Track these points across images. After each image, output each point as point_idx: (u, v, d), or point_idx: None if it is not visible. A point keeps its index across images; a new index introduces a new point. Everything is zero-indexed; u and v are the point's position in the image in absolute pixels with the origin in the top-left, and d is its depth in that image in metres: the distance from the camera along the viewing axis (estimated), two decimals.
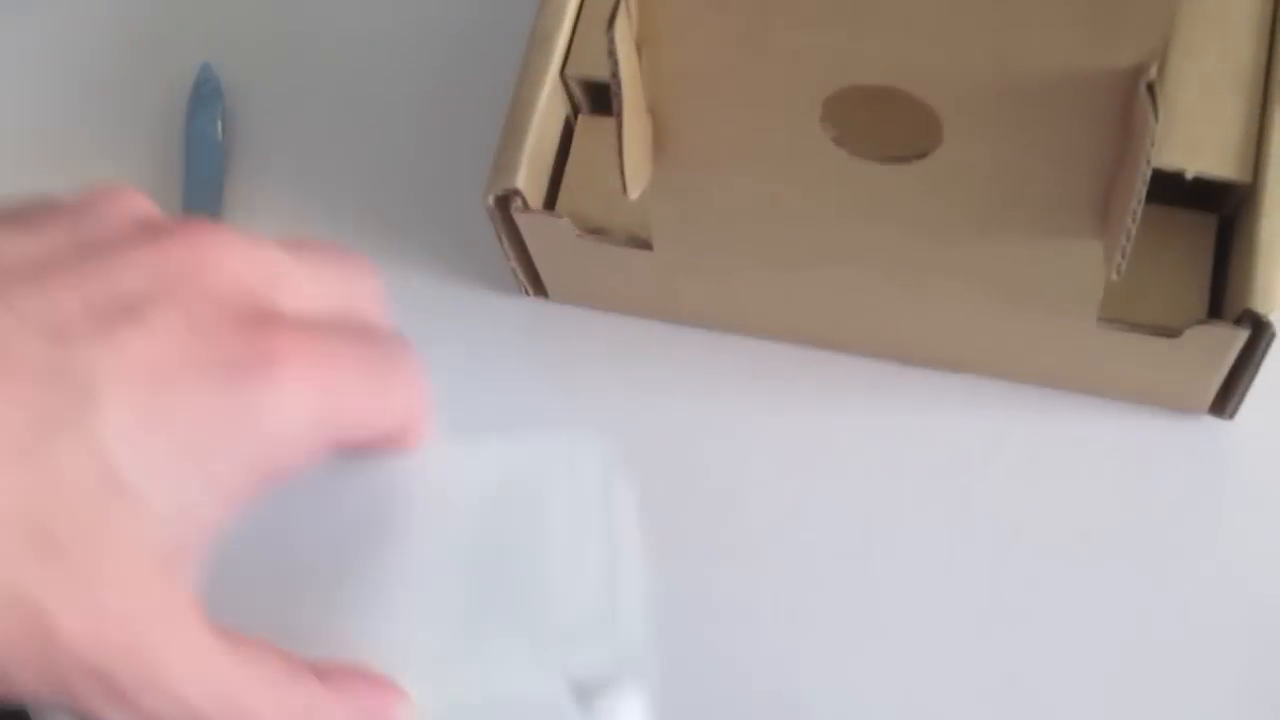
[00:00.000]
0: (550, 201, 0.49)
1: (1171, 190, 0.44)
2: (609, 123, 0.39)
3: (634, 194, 0.41)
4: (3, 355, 0.25)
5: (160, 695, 0.26)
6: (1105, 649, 0.45)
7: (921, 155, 0.39)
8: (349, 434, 0.28)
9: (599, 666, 0.30)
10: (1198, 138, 0.44)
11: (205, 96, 0.56)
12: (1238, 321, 0.42)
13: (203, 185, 0.55)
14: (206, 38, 0.58)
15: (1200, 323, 0.43)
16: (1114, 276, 0.39)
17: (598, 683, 0.30)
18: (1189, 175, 0.44)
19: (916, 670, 0.45)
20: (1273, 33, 0.46)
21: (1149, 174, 0.36)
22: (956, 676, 0.45)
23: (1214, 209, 0.46)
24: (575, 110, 0.50)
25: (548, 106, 0.48)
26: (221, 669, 0.27)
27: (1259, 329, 0.42)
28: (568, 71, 0.48)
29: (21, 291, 0.25)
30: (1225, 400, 0.46)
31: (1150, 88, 0.35)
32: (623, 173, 0.40)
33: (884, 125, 0.39)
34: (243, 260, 0.28)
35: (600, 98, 0.49)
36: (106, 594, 0.25)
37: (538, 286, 0.51)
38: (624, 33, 0.37)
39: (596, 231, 0.47)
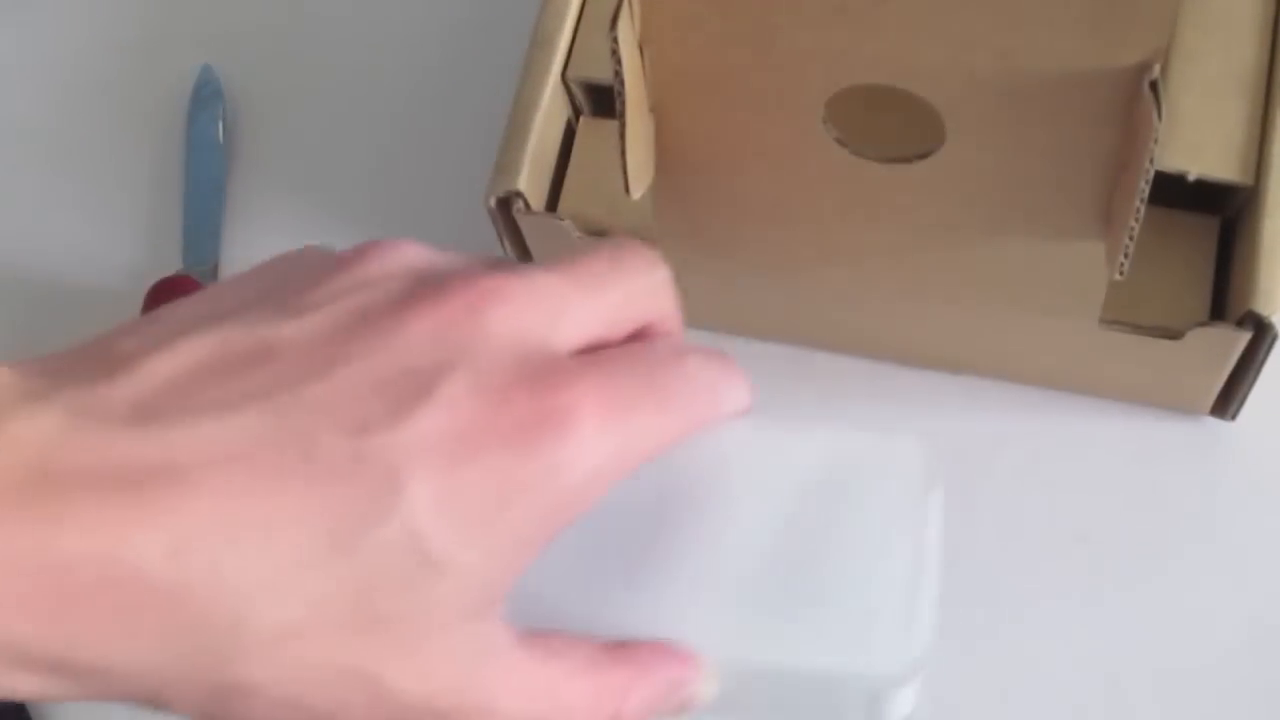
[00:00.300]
0: (552, 203, 0.49)
1: (1174, 192, 0.44)
2: (610, 125, 0.39)
3: (636, 194, 0.41)
4: (310, 456, 0.26)
5: (492, 718, 0.28)
6: (1106, 651, 0.45)
7: (924, 155, 0.39)
8: (646, 456, 0.29)
9: (886, 671, 0.30)
10: (1200, 140, 0.44)
11: (206, 98, 0.56)
12: (1240, 323, 0.42)
13: (203, 187, 0.55)
14: (207, 39, 0.57)
15: (1202, 324, 0.43)
16: (1116, 277, 0.39)
17: (882, 684, 0.30)
18: (1191, 177, 0.44)
19: None
20: (1275, 36, 0.46)
21: (1152, 174, 0.36)
22: (955, 678, 0.45)
23: (1216, 211, 0.46)
24: (576, 113, 0.50)
25: (549, 108, 0.48)
26: (537, 680, 0.28)
27: (1261, 330, 0.42)
28: (569, 74, 0.48)
29: (314, 388, 0.26)
30: (1227, 402, 0.46)
31: (1153, 86, 0.34)
32: (625, 173, 0.40)
33: (886, 125, 0.39)
34: (520, 305, 0.28)
35: (601, 100, 0.49)
36: (429, 651, 0.27)
37: None
38: (627, 33, 0.37)
39: (599, 233, 0.47)
